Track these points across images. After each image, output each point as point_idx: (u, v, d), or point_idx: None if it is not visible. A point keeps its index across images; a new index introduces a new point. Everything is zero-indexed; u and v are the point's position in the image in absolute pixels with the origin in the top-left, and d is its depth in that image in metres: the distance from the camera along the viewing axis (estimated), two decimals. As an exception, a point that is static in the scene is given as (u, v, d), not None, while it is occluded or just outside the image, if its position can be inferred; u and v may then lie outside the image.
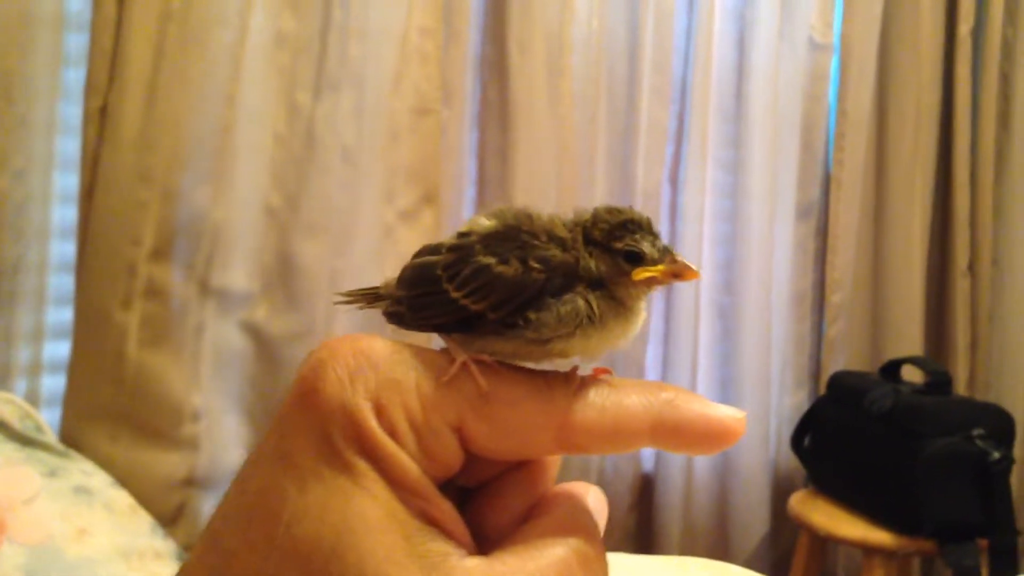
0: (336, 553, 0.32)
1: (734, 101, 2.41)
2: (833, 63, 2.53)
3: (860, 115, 2.51)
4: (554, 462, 0.39)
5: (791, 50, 2.44)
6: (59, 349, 1.86)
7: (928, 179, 2.60)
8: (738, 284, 2.37)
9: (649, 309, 0.43)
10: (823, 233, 2.50)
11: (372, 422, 0.34)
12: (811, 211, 2.49)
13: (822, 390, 2.38)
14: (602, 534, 0.38)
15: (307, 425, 0.34)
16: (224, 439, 1.85)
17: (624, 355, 2.24)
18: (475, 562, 0.34)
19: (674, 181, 2.39)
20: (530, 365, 0.40)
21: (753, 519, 2.36)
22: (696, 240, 2.32)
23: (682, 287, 2.32)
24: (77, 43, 1.82)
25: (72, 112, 1.82)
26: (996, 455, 1.94)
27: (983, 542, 1.95)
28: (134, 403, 1.76)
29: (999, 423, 2.04)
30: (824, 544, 2.19)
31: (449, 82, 2.00)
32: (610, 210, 0.42)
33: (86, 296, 1.77)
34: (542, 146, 2.11)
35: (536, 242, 0.40)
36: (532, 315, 0.39)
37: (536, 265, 0.39)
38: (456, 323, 0.40)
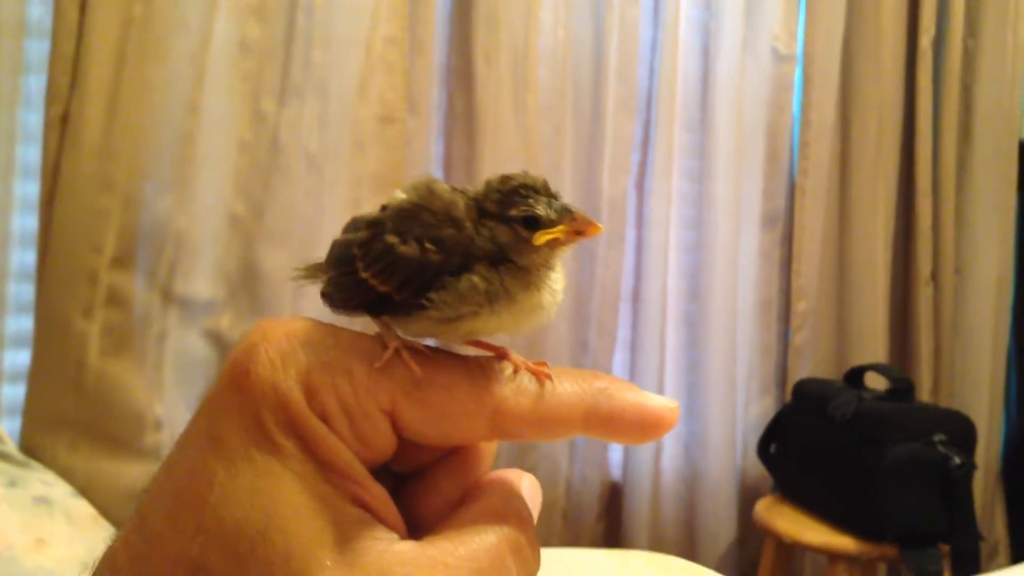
0: (264, 536, 0.31)
1: (699, 111, 2.43)
2: (797, 73, 2.55)
3: (824, 125, 2.54)
4: (489, 450, 0.39)
5: (755, 61, 2.47)
6: (19, 358, 1.84)
7: (891, 188, 2.63)
8: (704, 292, 2.39)
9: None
10: (788, 241, 2.52)
11: (303, 405, 0.34)
12: (776, 220, 2.51)
13: (788, 397, 2.39)
14: (535, 521, 0.38)
15: (238, 407, 0.34)
16: (187, 449, 1.83)
17: (592, 362, 2.25)
18: (406, 546, 0.33)
19: (640, 190, 2.40)
20: (463, 350, 0.39)
21: (720, 526, 2.37)
22: (662, 248, 2.34)
23: (648, 296, 2.33)
24: (38, 50, 1.80)
25: (33, 119, 1.81)
26: (957, 460, 1.95)
27: (945, 547, 1.97)
28: (95, 412, 1.74)
29: (960, 429, 2.06)
30: (790, 550, 2.20)
31: (415, 92, 2.00)
32: (502, 178, 0.41)
33: (46, 304, 1.75)
34: (508, 156, 2.11)
35: (433, 221, 0.39)
36: (433, 295, 0.38)
37: (431, 247, 0.39)
38: (371, 304, 0.40)
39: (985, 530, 2.66)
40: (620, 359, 2.36)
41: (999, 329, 2.74)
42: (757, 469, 2.38)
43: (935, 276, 2.67)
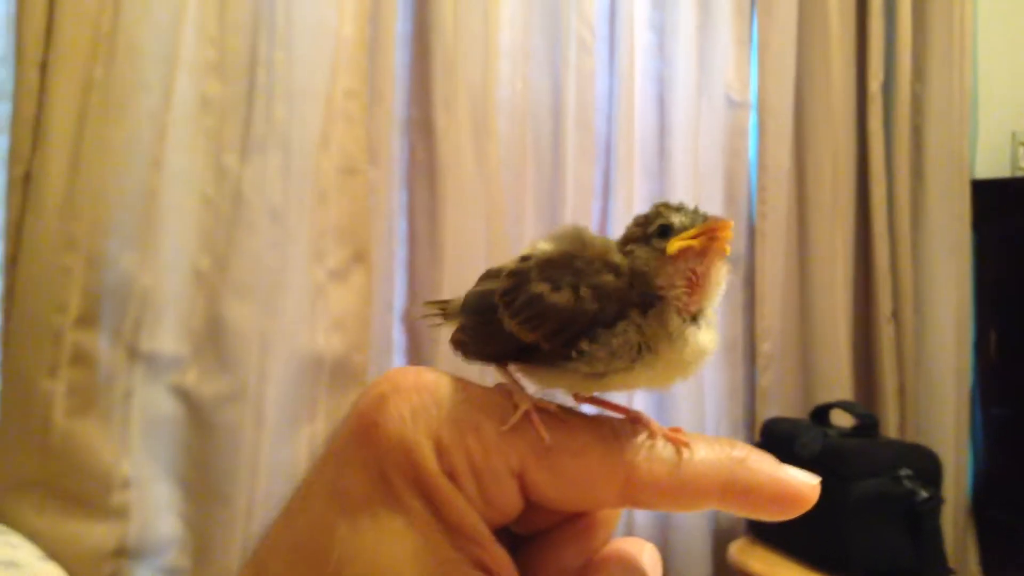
0: None
1: (657, 158, 2.48)
2: (751, 119, 2.61)
3: (780, 169, 2.60)
4: (613, 519, 0.38)
5: (710, 108, 2.52)
6: (-17, 421, 1.82)
7: (848, 229, 2.68)
8: (670, 335, 2.40)
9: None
10: (751, 283, 2.56)
11: (432, 462, 0.33)
12: (738, 262, 2.55)
13: (756, 438, 2.41)
14: None
15: (364, 461, 0.33)
16: (156, 507, 1.81)
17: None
18: None
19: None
20: (596, 394, 0.39)
21: (694, 569, 2.36)
22: (626, 293, 2.36)
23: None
24: (0, 112, 1.81)
25: (-4, 181, 1.81)
26: (924, 494, 1.97)
27: (916, 582, 1.97)
28: (61, 472, 1.72)
29: (926, 463, 2.08)
30: (765, 590, 2.20)
31: (375, 142, 2.03)
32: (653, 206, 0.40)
33: (11, 364, 1.74)
34: (471, 205, 2.14)
35: (588, 268, 0.38)
36: (584, 347, 0.37)
37: (587, 293, 0.37)
38: (513, 353, 0.38)
39: (958, 564, 2.67)
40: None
41: (961, 365, 2.78)
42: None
43: (896, 315, 2.71)
